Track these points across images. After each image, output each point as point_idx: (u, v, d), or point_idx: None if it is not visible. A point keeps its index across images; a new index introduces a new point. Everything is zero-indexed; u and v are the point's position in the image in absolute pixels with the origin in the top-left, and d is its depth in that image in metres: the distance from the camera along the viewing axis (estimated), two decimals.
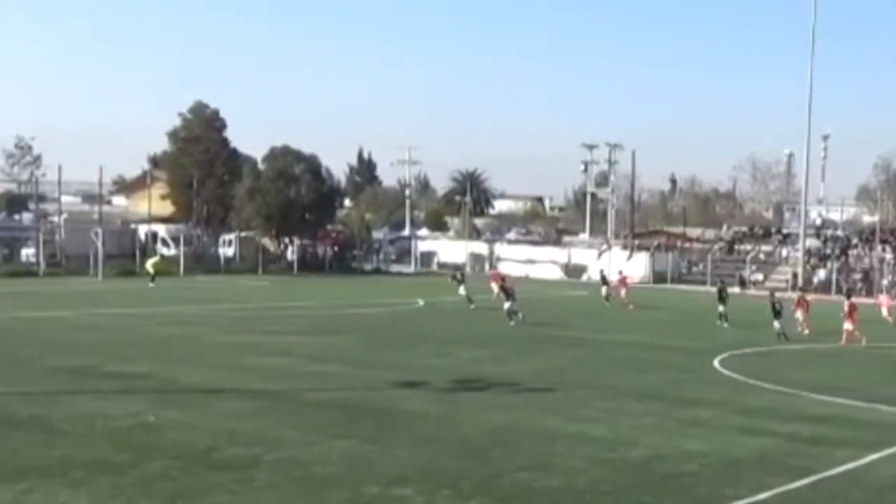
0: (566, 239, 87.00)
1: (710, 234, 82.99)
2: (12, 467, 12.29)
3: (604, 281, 48.47)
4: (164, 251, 68.28)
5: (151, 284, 49.76)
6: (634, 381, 21.93)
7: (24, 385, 18.80)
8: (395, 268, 77.06)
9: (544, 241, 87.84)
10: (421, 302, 43.89)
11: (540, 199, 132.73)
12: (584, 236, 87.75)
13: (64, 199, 73.07)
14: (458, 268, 54.00)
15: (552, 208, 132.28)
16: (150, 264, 53.23)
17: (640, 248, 74.31)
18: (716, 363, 25.16)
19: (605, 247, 74.66)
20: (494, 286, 45.46)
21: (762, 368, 24.55)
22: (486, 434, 15.30)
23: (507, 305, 36.10)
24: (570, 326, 35.01)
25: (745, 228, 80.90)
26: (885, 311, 39.23)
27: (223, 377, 20.43)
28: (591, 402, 18.70)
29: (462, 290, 42.37)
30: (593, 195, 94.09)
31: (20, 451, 13.26)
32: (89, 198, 79.71)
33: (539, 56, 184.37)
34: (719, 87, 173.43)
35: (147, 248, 66.43)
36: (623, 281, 48.22)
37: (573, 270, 72.06)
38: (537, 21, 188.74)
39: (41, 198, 73.07)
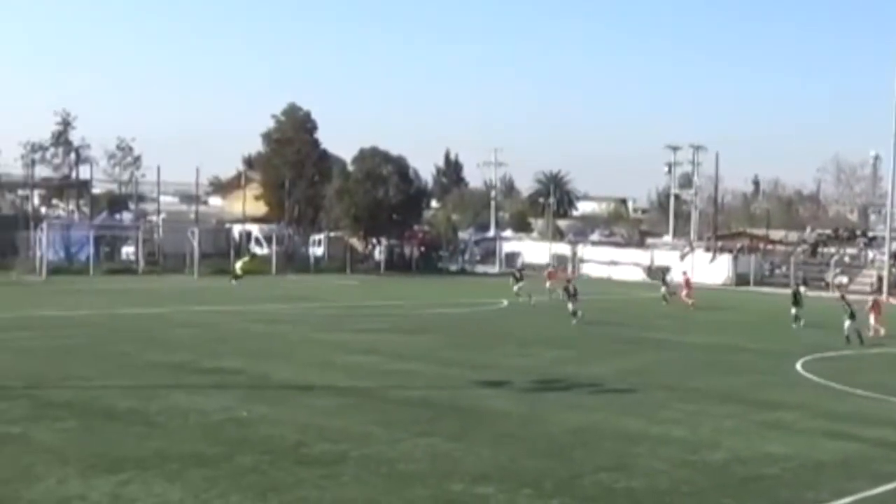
0: (649, 241, 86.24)
1: (793, 236, 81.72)
2: (111, 458, 12.54)
3: (663, 281, 49.43)
4: (257, 250, 69.10)
5: (233, 283, 50.34)
6: (716, 384, 21.67)
7: (124, 379, 19.18)
8: (479, 268, 77.13)
9: (627, 243, 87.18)
10: (505, 302, 43.84)
11: (623, 201, 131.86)
12: (667, 238, 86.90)
13: (162, 199, 74.34)
14: (519, 268, 53.90)
15: (635, 210, 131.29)
16: (239, 264, 54.03)
17: (723, 250, 73.44)
18: (798, 366, 24.76)
19: (687, 249, 73.88)
20: (548, 284, 47.55)
21: (845, 372, 24.10)
22: (567, 434, 15.25)
23: (570, 306, 36.15)
24: (652, 328, 34.71)
25: (828, 231, 79.47)
26: None
27: (312, 374, 20.64)
28: (673, 404, 18.51)
29: (515, 288, 42.28)
30: (676, 197, 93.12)
31: (119, 442, 13.53)
32: (187, 198, 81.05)
33: (624, 57, 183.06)
34: (804, 87, 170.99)
35: (241, 248, 67.35)
36: (686, 282, 48.14)
37: (656, 272, 71.40)
38: (622, 22, 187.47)
39: (141, 198, 74.41)
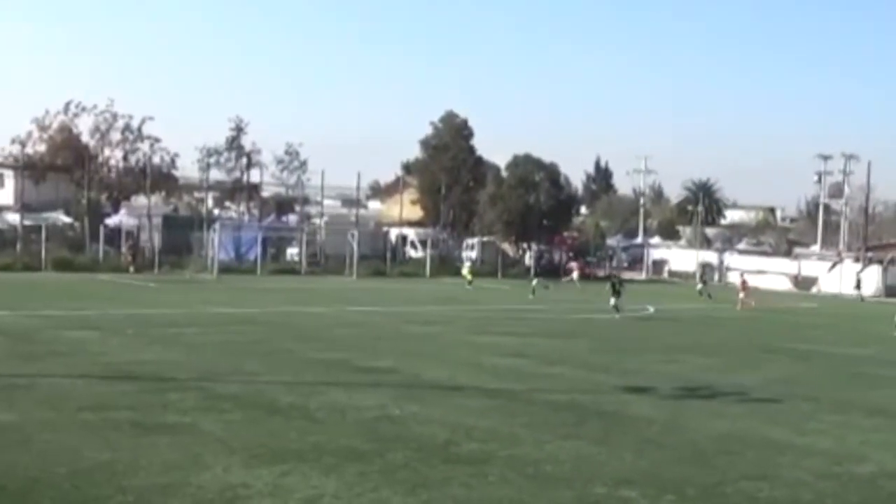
0: (797, 250, 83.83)
1: None
2: (272, 450, 12.83)
3: (702, 278, 55.24)
4: (412, 253, 69.97)
5: (469, 287, 52.24)
6: (864, 396, 20.88)
7: (286, 375, 19.62)
8: (627, 274, 76.27)
9: (774, 252, 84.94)
10: (651, 308, 43.27)
11: (772, 210, 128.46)
12: (816, 248, 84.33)
13: (325, 202, 75.91)
14: (616, 277, 53.43)
15: (783, 219, 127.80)
16: (465, 270, 56.53)
17: (873, 261, 70.83)
18: None
19: (836, 259, 71.57)
20: (575, 275, 55.14)
21: None
22: (711, 441, 14.93)
23: (612, 301, 37.81)
24: (799, 338, 33.74)
25: None
26: None
27: (462, 375, 20.73)
28: (819, 415, 17.91)
29: (612, 301, 40.81)
30: (826, 207, 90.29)
31: (280, 435, 13.83)
32: (348, 201, 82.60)
33: (774, 65, 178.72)
34: None
35: (397, 251, 68.29)
36: (744, 284, 49.44)
37: (803, 282, 69.42)
38: (772, 29, 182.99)
39: (305, 201, 76.10)
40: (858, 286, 49.12)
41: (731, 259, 77.25)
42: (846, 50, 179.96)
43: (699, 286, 52.12)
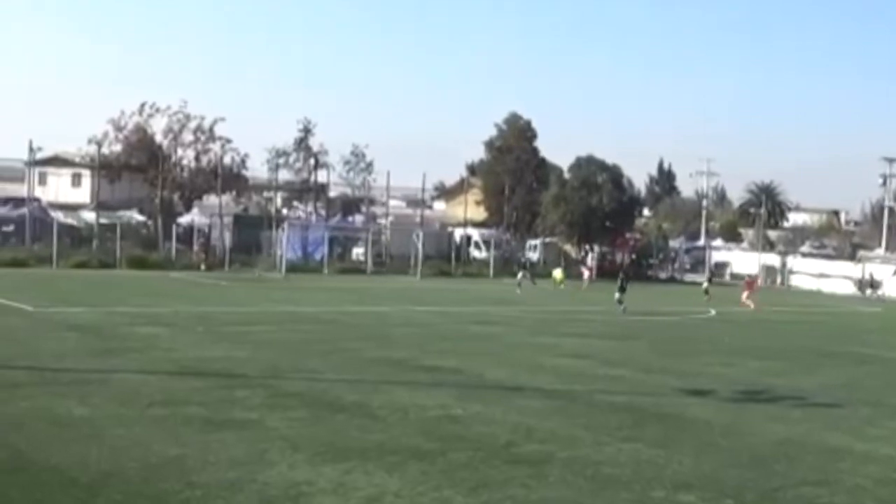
0: (861, 254, 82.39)
1: None
2: (337, 448, 12.93)
3: (709, 279, 55.93)
4: (476, 254, 70.00)
5: (562, 287, 52.92)
6: None
7: (350, 373, 19.74)
8: (689, 277, 75.57)
9: (838, 256, 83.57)
10: (713, 311, 42.84)
11: (835, 213, 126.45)
12: (880, 251, 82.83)
13: (391, 202, 76.20)
14: (624, 273, 52.65)
15: (847, 222, 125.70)
16: (557, 274, 57.67)
17: None
18: None
19: None
20: (586, 272, 58.83)
21: None
22: (770, 446, 14.75)
23: (617, 295, 38.87)
24: (860, 342, 33.17)
25: None
26: None
27: (523, 375, 20.70)
28: (879, 421, 17.60)
29: (617, 296, 40.35)
30: (891, 210, 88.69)
31: (344, 433, 13.93)
32: (413, 202, 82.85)
33: (838, 66, 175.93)
34: None
35: (461, 251, 68.37)
36: (749, 283, 50.06)
37: (867, 286, 68.22)
38: (837, 29, 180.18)
39: (371, 201, 76.41)
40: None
41: (794, 262, 76.20)
42: None
43: (705, 284, 52.60)
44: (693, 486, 12.04)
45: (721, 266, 77.75)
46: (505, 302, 43.06)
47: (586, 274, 60.56)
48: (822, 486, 12.51)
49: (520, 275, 52.01)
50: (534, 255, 70.98)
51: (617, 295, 39.53)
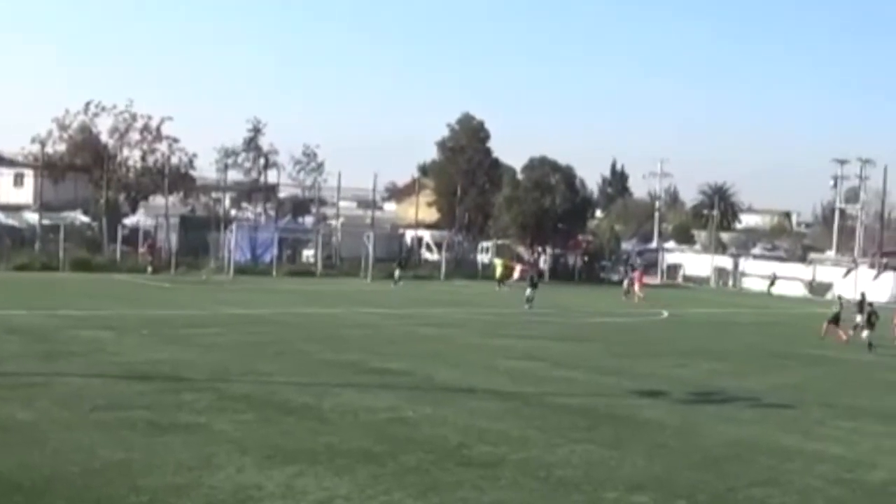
0: (812, 256, 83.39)
1: None
2: (285, 451, 12.87)
3: (628, 275, 58.49)
4: (428, 256, 69.95)
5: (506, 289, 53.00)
6: (876, 402, 20.85)
7: (300, 376, 19.66)
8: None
9: (789, 258, 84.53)
10: (665, 313, 43.19)
11: (787, 215, 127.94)
12: (831, 254, 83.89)
13: (341, 204, 75.90)
14: (534, 272, 53.97)
15: (799, 224, 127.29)
16: (498, 262, 59.17)
17: (889, 267, 70.40)
18: None
19: (852, 265, 71.20)
20: (516, 275, 57.27)
21: None
22: (722, 447, 14.91)
23: (528, 292, 40.04)
24: (810, 344, 33.58)
25: None
26: None
27: (475, 377, 20.71)
28: (830, 421, 17.87)
29: (528, 293, 41.90)
30: (842, 212, 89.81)
31: (293, 436, 13.87)
32: (364, 203, 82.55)
33: (791, 69, 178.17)
34: None
35: (412, 253, 68.28)
36: (639, 276, 54.06)
37: (818, 288, 69.03)
38: (789, 32, 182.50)
39: (322, 202, 76.02)
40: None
41: (746, 264, 76.93)
42: (862, 54, 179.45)
43: (625, 284, 55.23)
44: (646, 487, 12.13)
45: (673, 268, 78.31)
46: (457, 303, 43.09)
47: (518, 272, 59.85)
48: (773, 487, 12.66)
49: (397, 272, 54.78)
50: (486, 257, 71.01)
51: (528, 292, 40.97)
